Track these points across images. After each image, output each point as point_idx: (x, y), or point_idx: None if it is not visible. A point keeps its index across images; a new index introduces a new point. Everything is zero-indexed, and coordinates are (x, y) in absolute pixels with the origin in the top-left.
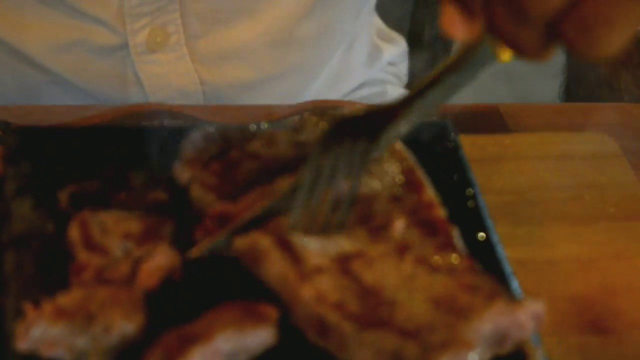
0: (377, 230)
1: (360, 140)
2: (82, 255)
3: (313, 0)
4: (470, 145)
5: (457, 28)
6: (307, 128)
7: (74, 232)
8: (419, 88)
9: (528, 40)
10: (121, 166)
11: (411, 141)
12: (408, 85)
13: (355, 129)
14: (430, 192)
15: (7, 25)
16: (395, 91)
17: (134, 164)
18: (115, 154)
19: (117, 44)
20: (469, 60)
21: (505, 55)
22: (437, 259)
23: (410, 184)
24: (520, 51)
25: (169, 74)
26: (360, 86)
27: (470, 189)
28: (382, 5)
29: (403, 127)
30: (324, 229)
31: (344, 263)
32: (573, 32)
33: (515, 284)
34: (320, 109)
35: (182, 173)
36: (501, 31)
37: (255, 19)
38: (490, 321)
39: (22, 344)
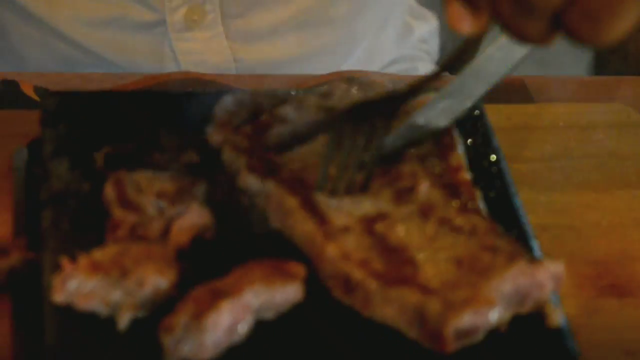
0: (403, 192)
1: (378, 121)
2: (117, 213)
3: None
4: (496, 114)
5: (463, 23)
6: (336, 94)
7: (109, 191)
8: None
9: (533, 31)
10: (155, 129)
11: None
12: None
13: (373, 111)
14: (458, 155)
15: (41, 2)
16: (425, 68)
17: (168, 127)
18: (150, 117)
19: (154, 21)
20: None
21: None
22: (460, 220)
23: (442, 145)
24: (525, 41)
25: (205, 51)
26: (391, 63)
27: (494, 155)
28: None
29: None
30: (349, 190)
31: (368, 224)
32: (577, 22)
33: (536, 246)
34: (349, 77)
35: (215, 136)
36: (507, 24)
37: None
38: (511, 280)
39: (59, 296)
